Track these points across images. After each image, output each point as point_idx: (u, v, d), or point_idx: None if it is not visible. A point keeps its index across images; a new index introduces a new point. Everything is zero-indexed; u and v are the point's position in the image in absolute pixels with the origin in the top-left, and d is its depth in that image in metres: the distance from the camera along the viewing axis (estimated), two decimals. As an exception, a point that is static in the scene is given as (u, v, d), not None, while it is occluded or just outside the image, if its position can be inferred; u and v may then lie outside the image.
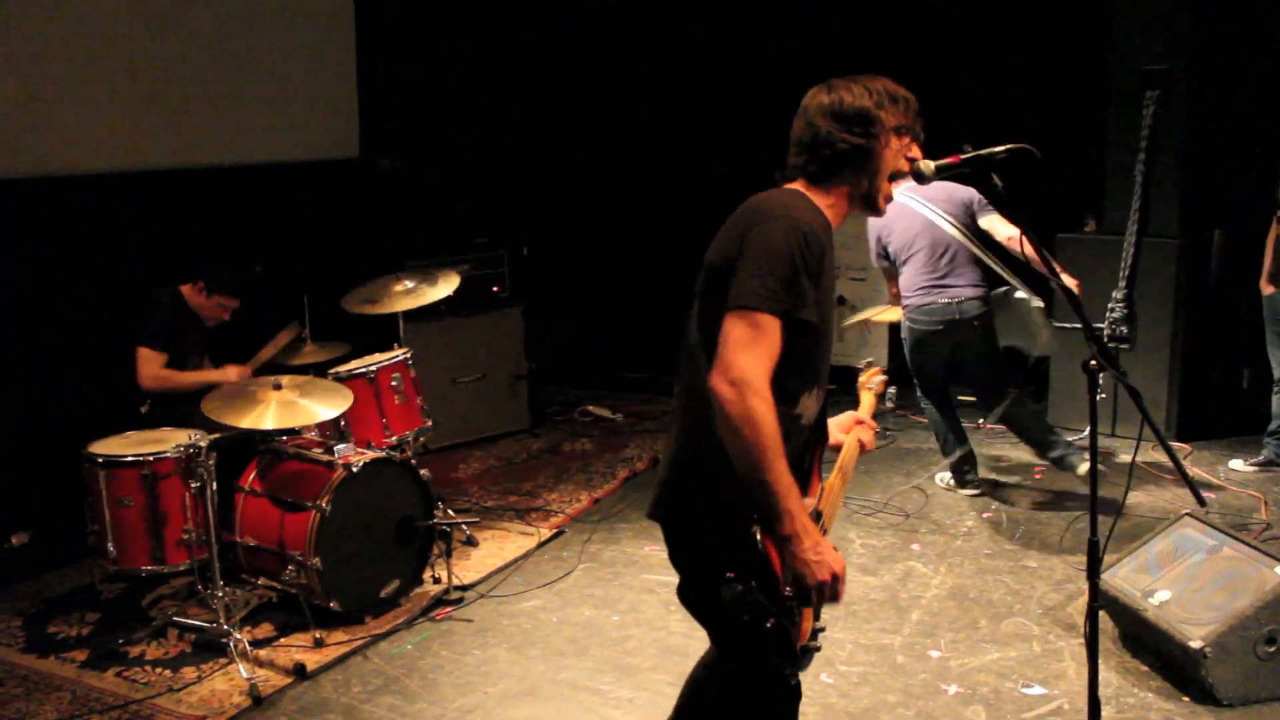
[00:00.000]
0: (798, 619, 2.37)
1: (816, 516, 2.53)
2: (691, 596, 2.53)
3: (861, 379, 3.17)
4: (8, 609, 4.82)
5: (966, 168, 2.57)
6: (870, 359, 3.38)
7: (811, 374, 2.47)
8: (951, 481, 5.88)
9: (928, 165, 2.56)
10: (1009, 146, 2.57)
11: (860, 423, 2.88)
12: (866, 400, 3.07)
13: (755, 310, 2.26)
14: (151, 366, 4.95)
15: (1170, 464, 5.91)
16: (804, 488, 2.47)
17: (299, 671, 4.15)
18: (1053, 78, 7.31)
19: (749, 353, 2.24)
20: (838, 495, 2.71)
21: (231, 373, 5.09)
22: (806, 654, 2.46)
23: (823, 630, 2.56)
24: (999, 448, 6.53)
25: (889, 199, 2.53)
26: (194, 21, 6.06)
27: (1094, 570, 2.69)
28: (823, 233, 2.40)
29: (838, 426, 2.84)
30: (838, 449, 2.80)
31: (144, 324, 5.02)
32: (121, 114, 5.75)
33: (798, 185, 2.52)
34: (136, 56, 5.79)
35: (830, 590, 2.28)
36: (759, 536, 2.30)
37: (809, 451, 2.57)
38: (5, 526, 5.36)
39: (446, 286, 5.57)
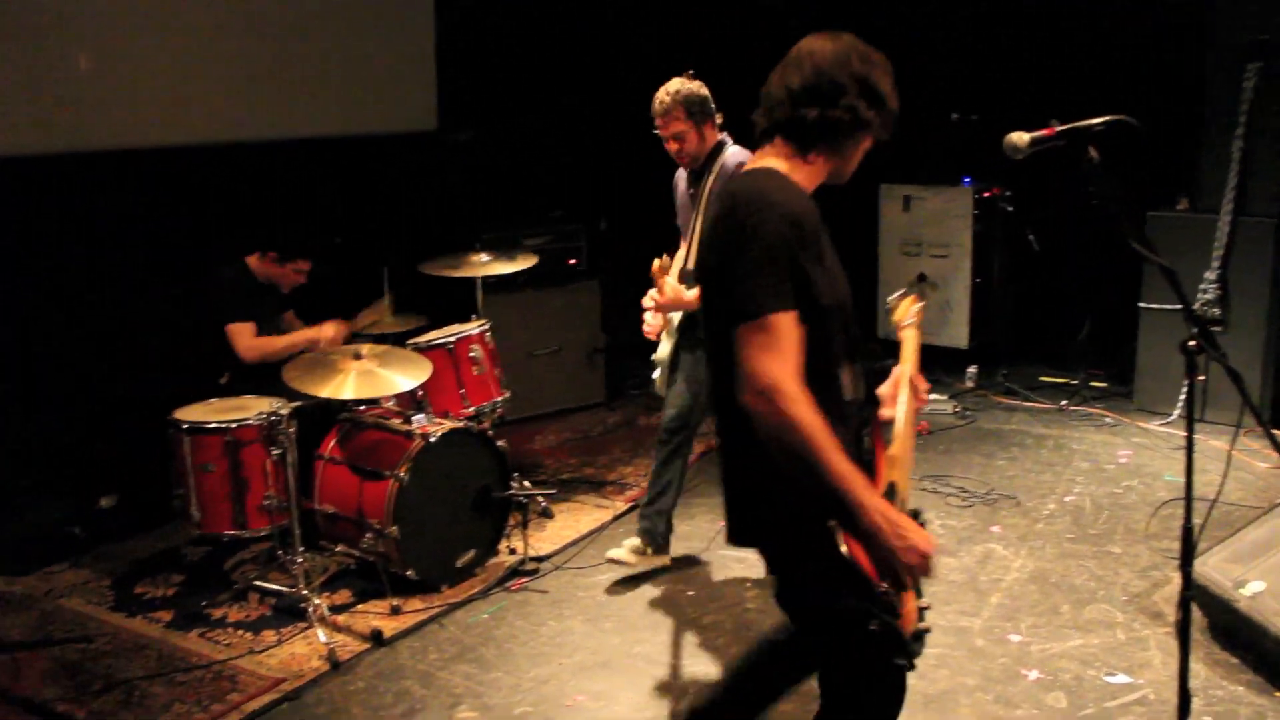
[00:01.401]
0: (899, 609, 2.27)
1: (890, 492, 2.41)
2: (781, 603, 2.48)
3: (895, 316, 2.90)
4: (98, 569, 4.94)
5: (1062, 140, 2.47)
6: (901, 291, 2.99)
7: (841, 352, 2.35)
8: (645, 548, 4.68)
9: (1021, 138, 2.48)
10: (1107, 118, 2.46)
11: (908, 380, 2.66)
12: (909, 341, 2.81)
13: (764, 314, 2.16)
14: (245, 338, 4.98)
15: (1263, 450, 5.76)
16: (870, 471, 2.37)
17: (376, 638, 4.20)
18: (1148, 48, 7.08)
19: (769, 357, 2.14)
20: (907, 459, 2.55)
21: (328, 329, 5.11)
22: (918, 639, 2.36)
23: (928, 608, 2.46)
24: (1082, 429, 6.39)
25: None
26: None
27: (1187, 558, 2.61)
28: (810, 211, 2.29)
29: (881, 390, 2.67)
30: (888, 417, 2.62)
31: (222, 301, 5.02)
32: (198, 87, 5.80)
33: (774, 153, 2.40)
34: (211, 29, 5.84)
35: (921, 570, 2.21)
36: (839, 535, 2.20)
37: (866, 430, 2.45)
38: (95, 489, 5.49)
39: (524, 261, 5.62)
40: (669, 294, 4.29)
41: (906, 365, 2.69)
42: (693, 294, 4.22)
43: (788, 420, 2.11)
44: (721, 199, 2.34)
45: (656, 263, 4.30)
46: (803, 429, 2.11)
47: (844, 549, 2.18)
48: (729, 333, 2.22)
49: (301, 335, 5.09)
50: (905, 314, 2.90)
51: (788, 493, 2.21)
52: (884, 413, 2.54)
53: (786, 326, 2.16)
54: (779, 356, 2.14)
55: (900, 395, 2.60)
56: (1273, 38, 5.93)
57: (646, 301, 4.38)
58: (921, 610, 2.41)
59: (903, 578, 2.21)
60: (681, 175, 4.61)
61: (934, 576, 2.27)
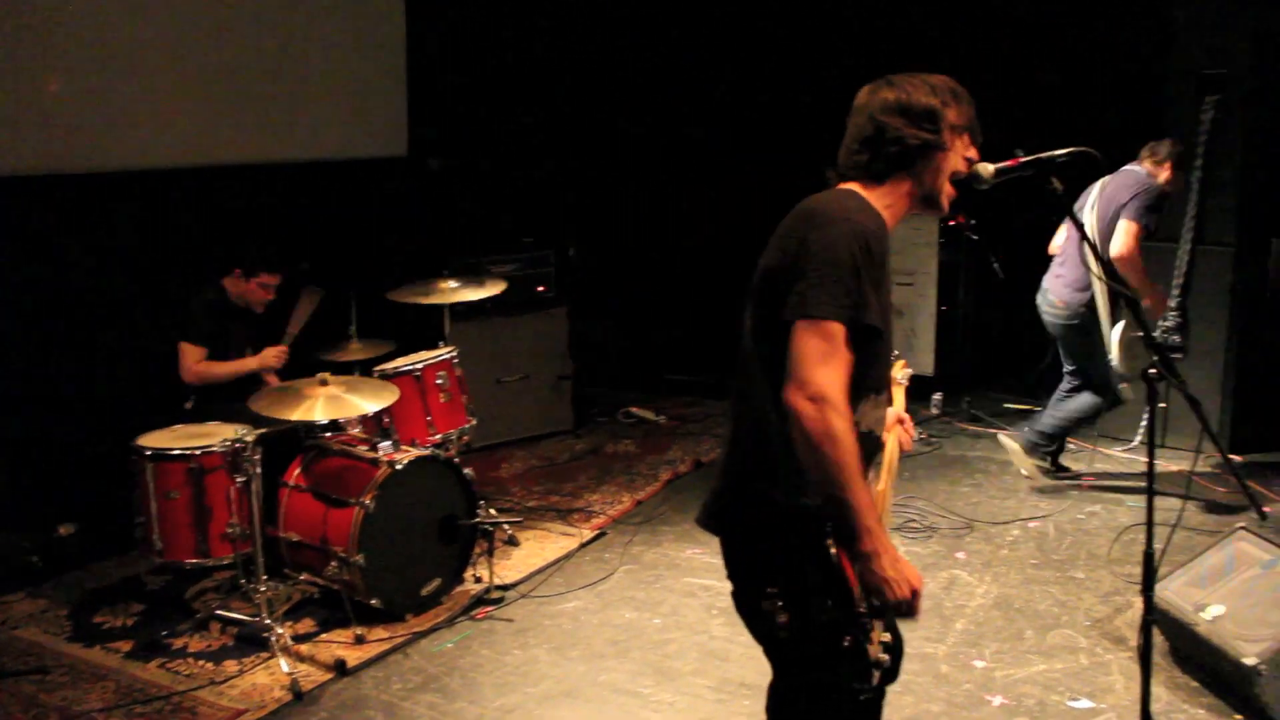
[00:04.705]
0: (871, 634, 2.30)
1: None
2: (744, 608, 2.47)
3: (891, 373, 2.98)
4: (55, 598, 4.86)
5: (1027, 170, 2.52)
6: (895, 352, 3.16)
7: (872, 382, 2.39)
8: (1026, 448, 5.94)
9: (986, 168, 2.52)
10: (1070, 150, 2.52)
11: (900, 421, 2.78)
12: (898, 396, 2.91)
13: (825, 320, 2.20)
14: (191, 359, 4.99)
15: (1222, 476, 5.83)
16: None
17: (339, 668, 4.16)
18: (1108, 80, 7.20)
19: (825, 367, 2.18)
20: (887, 502, 2.63)
21: (269, 354, 5.13)
22: (877, 667, 2.38)
23: (891, 644, 2.45)
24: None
25: (951, 198, 2.47)
26: (242, 17, 6.09)
27: (1149, 583, 2.64)
28: (881, 235, 2.34)
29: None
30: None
31: (186, 320, 5.05)
32: (167, 111, 5.78)
33: (854, 185, 2.45)
34: (181, 53, 5.82)
35: (907, 606, 2.24)
36: (833, 550, 2.24)
37: (870, 462, 2.47)
38: (53, 517, 5.42)
39: (493, 288, 5.63)
40: None
41: (896, 410, 2.76)
42: None
43: (831, 432, 2.15)
44: (799, 208, 2.39)
45: None
46: (840, 445, 2.15)
47: (834, 553, 2.23)
48: (774, 328, 2.25)
49: (241, 365, 5.11)
50: (897, 372, 2.97)
51: (796, 496, 2.24)
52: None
53: (841, 337, 2.20)
54: (834, 366, 2.18)
55: (891, 434, 2.68)
56: (1230, 71, 6.05)
57: None
58: (884, 645, 2.40)
59: (887, 608, 2.25)
60: None
61: (915, 616, 2.28)
